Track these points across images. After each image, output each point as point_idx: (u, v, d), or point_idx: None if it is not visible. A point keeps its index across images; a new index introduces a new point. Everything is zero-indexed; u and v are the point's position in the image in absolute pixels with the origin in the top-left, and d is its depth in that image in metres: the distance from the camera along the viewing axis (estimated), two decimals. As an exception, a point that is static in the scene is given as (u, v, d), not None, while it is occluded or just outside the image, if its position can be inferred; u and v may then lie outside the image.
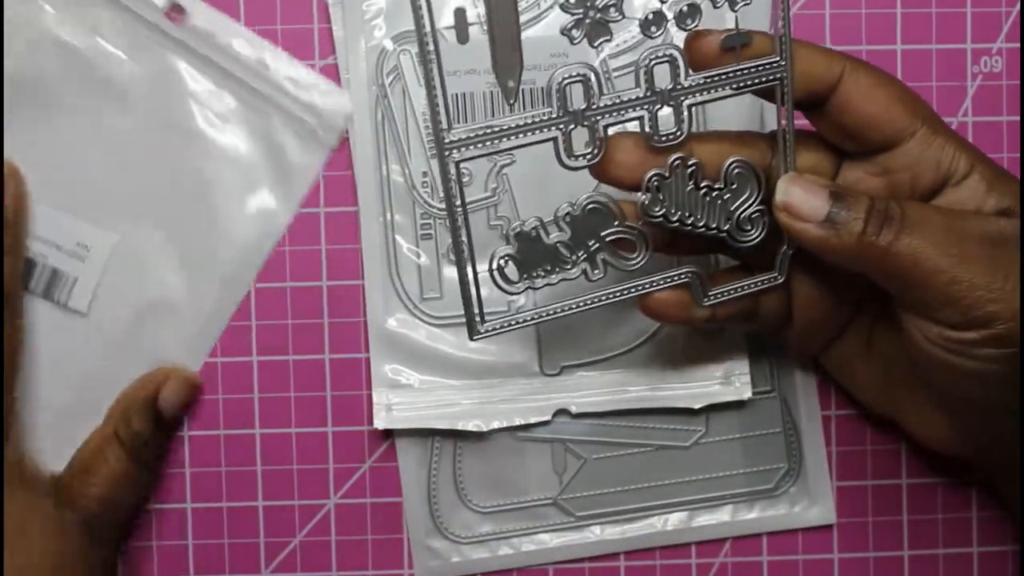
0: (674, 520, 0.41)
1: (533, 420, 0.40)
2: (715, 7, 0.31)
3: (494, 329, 0.33)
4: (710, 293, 0.34)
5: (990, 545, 0.41)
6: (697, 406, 0.40)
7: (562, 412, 0.40)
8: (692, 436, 0.41)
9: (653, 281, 0.34)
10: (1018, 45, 0.41)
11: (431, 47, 0.28)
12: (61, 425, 0.39)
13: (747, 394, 0.40)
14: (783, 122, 0.32)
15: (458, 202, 0.31)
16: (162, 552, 0.40)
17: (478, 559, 0.40)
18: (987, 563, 0.41)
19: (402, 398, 0.40)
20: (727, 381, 0.40)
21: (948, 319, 0.31)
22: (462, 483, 0.41)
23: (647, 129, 0.31)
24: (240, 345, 0.40)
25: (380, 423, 0.39)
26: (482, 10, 0.28)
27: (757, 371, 0.41)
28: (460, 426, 0.39)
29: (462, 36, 0.28)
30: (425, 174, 0.40)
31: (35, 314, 0.39)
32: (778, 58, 0.32)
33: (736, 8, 0.31)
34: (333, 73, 0.40)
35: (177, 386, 0.39)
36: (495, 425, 0.40)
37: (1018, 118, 0.41)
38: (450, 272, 0.40)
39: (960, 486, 0.41)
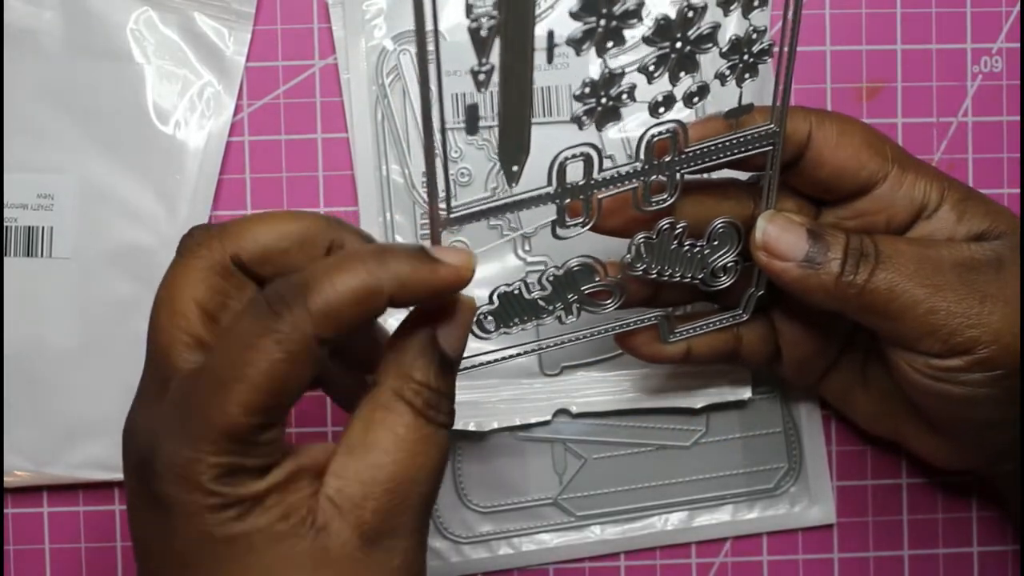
0: (674, 520, 0.41)
1: (533, 420, 0.40)
2: (722, 85, 0.31)
3: (463, 369, 0.33)
4: (676, 330, 0.35)
5: (990, 545, 0.41)
6: (697, 406, 0.40)
7: (562, 412, 0.40)
8: (692, 436, 0.41)
9: (624, 323, 0.35)
10: (1018, 45, 0.41)
11: (439, 133, 0.27)
12: (74, 372, 0.39)
13: (747, 394, 0.40)
14: (770, 174, 0.32)
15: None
16: (162, 552, 0.40)
17: (478, 559, 0.40)
18: (987, 563, 0.41)
19: (402, 398, 0.40)
20: (727, 381, 0.40)
21: (930, 349, 0.31)
22: (462, 483, 0.41)
23: (639, 196, 0.31)
24: (240, 345, 0.40)
25: (380, 423, 0.39)
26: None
27: (757, 371, 0.41)
28: (460, 426, 0.39)
29: (472, 128, 0.28)
30: (424, 175, 0.39)
31: (25, 275, 0.39)
32: (772, 124, 0.31)
33: (742, 84, 0.31)
34: (333, 73, 0.40)
35: (457, 318, 0.29)
36: (495, 425, 0.40)
37: (1018, 118, 0.41)
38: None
39: (960, 486, 0.41)
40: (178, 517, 0.25)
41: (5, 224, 0.39)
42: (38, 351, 0.39)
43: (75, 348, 0.39)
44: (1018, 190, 0.41)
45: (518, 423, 0.40)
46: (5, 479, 0.40)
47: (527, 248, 0.40)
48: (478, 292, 0.39)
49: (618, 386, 0.40)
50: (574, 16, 0.27)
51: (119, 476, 0.39)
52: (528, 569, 0.41)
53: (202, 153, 0.40)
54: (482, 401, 0.40)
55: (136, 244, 0.40)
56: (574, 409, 0.40)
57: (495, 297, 0.32)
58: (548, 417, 0.40)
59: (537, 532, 0.41)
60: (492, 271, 0.40)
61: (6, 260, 0.39)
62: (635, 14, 0.27)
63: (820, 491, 0.41)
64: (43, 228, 0.39)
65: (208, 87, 0.40)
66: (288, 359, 0.25)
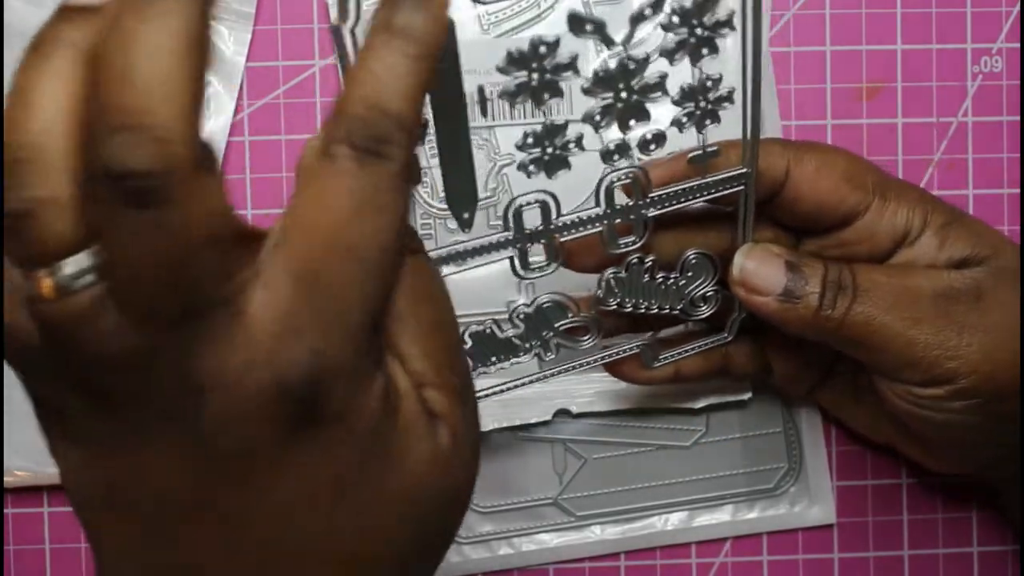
0: (674, 520, 0.41)
1: (533, 420, 0.40)
2: (680, 132, 0.30)
3: None
4: (660, 356, 0.35)
5: (990, 545, 0.41)
6: (697, 406, 0.40)
7: (562, 412, 0.40)
8: (692, 436, 0.41)
9: (608, 354, 0.34)
10: (1018, 45, 0.41)
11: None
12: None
13: (747, 394, 0.40)
14: (743, 215, 0.32)
15: None
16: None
17: (478, 559, 0.40)
18: (987, 563, 0.41)
19: (402, 398, 0.40)
20: (727, 381, 0.40)
21: (911, 379, 0.31)
22: (462, 483, 0.41)
23: (605, 239, 0.31)
24: (240, 345, 0.40)
25: (380, 423, 0.39)
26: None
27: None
28: (460, 426, 0.39)
29: (415, 178, 0.28)
30: (425, 174, 0.40)
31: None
32: (744, 167, 0.31)
33: (703, 130, 0.30)
34: (333, 73, 0.40)
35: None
36: (495, 425, 0.40)
37: (1018, 118, 0.41)
38: (447, 272, 0.40)
39: (960, 486, 0.41)
40: (347, 432, 0.21)
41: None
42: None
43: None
44: (1018, 190, 0.41)
45: (518, 423, 0.40)
46: (5, 479, 0.40)
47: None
48: (476, 294, 0.39)
49: (618, 386, 0.40)
50: (501, 71, 0.26)
51: (119, 476, 0.40)
52: (528, 569, 0.41)
53: None
54: (481, 402, 0.40)
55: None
56: (574, 409, 0.40)
57: (467, 336, 0.32)
58: (548, 417, 0.40)
59: (537, 532, 0.41)
60: (492, 270, 0.40)
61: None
62: (569, 67, 0.27)
63: (820, 491, 0.41)
64: None
65: (208, 87, 0.40)
66: (407, 197, 0.22)
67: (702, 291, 0.33)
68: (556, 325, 0.32)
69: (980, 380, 0.31)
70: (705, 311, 0.34)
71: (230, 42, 0.40)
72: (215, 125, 0.40)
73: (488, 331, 0.32)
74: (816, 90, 0.41)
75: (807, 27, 0.41)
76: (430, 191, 0.39)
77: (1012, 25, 0.41)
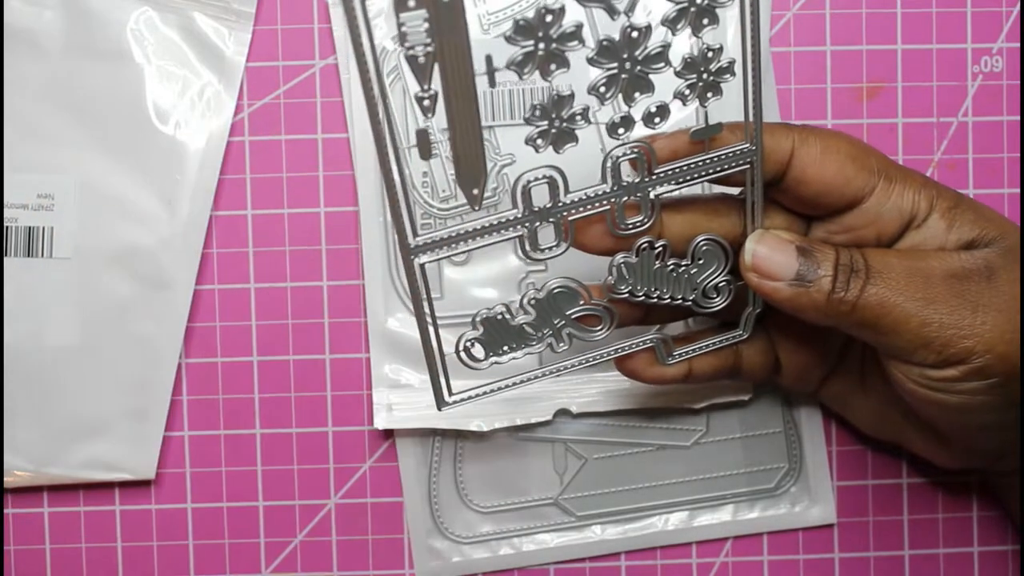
0: (674, 520, 0.41)
1: (534, 420, 0.40)
2: (684, 104, 0.30)
3: (460, 401, 0.33)
4: (675, 352, 0.35)
5: (990, 545, 0.41)
6: (697, 406, 0.40)
7: (562, 412, 0.40)
8: (692, 436, 0.41)
9: (619, 347, 0.34)
10: (1018, 45, 0.41)
11: (394, 162, 0.27)
12: (74, 372, 0.39)
13: (747, 394, 0.40)
14: (752, 199, 0.32)
15: (424, 298, 0.30)
16: (162, 552, 0.41)
17: (479, 559, 0.40)
18: (987, 563, 0.41)
19: (402, 398, 0.40)
20: (727, 381, 0.40)
21: (925, 360, 0.31)
22: (463, 483, 0.41)
23: (614, 219, 0.31)
24: (240, 345, 0.40)
25: (380, 423, 0.39)
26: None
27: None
28: (461, 426, 0.39)
29: (424, 153, 0.28)
30: (425, 174, 0.40)
31: (25, 275, 0.39)
32: (748, 144, 0.31)
33: (706, 104, 0.30)
34: (333, 73, 0.40)
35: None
36: (496, 425, 0.40)
37: (1018, 118, 0.41)
38: (450, 272, 0.40)
39: (960, 486, 0.41)
40: None
41: (5, 224, 0.39)
42: (38, 351, 0.39)
43: (75, 348, 0.39)
44: (1018, 190, 0.41)
45: (519, 423, 0.40)
46: (5, 479, 0.40)
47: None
48: (478, 293, 0.39)
49: (618, 386, 0.40)
50: (509, 40, 0.26)
51: (119, 476, 0.40)
52: (529, 569, 0.41)
53: (202, 153, 0.40)
54: (483, 401, 0.40)
55: (136, 244, 0.39)
56: (574, 409, 0.40)
57: (478, 323, 0.32)
58: (549, 417, 0.40)
59: (538, 532, 0.41)
60: (492, 271, 0.40)
61: (6, 260, 0.39)
62: (575, 36, 0.27)
63: (820, 491, 0.41)
64: (43, 228, 0.39)
65: (208, 87, 0.40)
66: None
67: (714, 280, 0.33)
68: (568, 313, 0.32)
69: (995, 359, 0.30)
70: (718, 303, 0.34)
71: (230, 42, 0.40)
72: (214, 125, 0.40)
73: (499, 317, 0.32)
74: (816, 90, 0.41)
75: (807, 27, 0.41)
76: (430, 191, 0.39)
77: (1012, 25, 0.41)
